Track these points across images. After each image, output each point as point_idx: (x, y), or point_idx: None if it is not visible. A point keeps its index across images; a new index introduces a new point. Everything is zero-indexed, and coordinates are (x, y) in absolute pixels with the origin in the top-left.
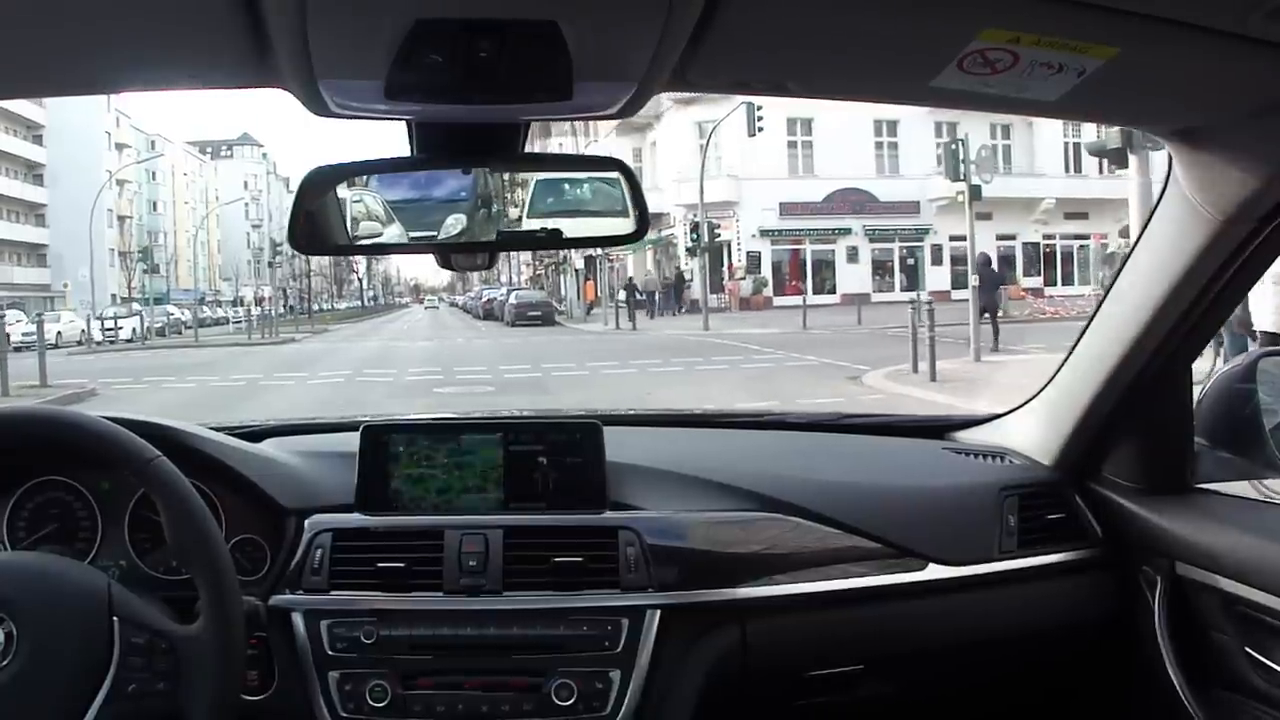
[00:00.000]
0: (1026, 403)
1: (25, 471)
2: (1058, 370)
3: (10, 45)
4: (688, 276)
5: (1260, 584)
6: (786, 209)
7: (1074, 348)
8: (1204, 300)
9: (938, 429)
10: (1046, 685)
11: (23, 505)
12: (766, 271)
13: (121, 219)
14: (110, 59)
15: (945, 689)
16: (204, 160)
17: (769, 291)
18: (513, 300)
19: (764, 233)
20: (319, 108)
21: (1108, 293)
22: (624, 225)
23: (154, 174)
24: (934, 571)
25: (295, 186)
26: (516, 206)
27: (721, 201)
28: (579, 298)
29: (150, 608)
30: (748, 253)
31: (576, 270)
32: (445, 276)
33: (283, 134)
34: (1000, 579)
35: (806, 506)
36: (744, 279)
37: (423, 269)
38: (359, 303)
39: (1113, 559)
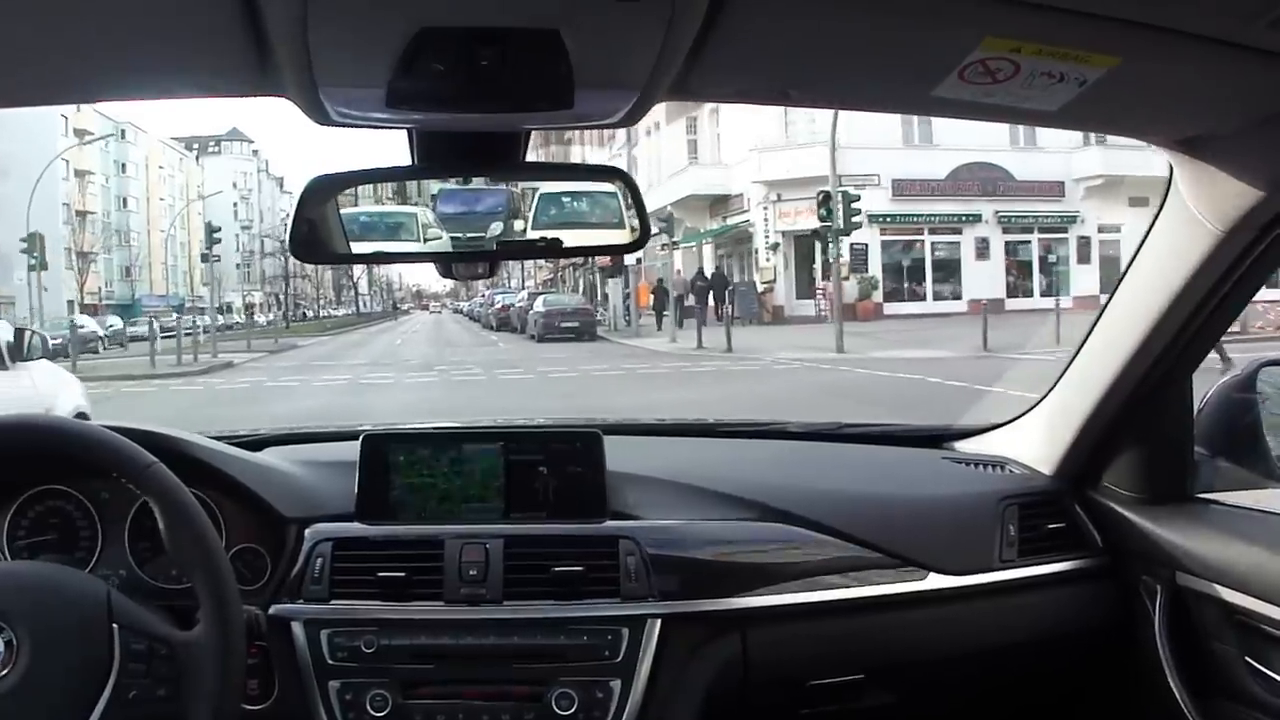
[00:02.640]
0: (1026, 412)
1: (25, 481)
2: (1058, 379)
3: (9, 53)
4: (768, 277)
5: (1260, 594)
6: (901, 188)
7: (1074, 357)
8: (1205, 310)
9: (937, 438)
10: (1047, 695)
11: (22, 515)
12: (875, 268)
13: (81, 215)
14: (111, 68)
15: (946, 699)
16: (185, 154)
17: (879, 296)
18: (540, 307)
19: (872, 219)
20: (320, 116)
21: (1108, 302)
22: (624, 235)
23: (123, 166)
24: (934, 581)
25: (289, 187)
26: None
27: (811, 178)
28: (627, 303)
29: (150, 614)
30: (852, 245)
31: (625, 267)
32: (448, 282)
33: (275, 131)
34: (1000, 589)
35: (807, 516)
36: (848, 278)
37: (425, 276)
38: (370, 308)
39: (1113, 569)
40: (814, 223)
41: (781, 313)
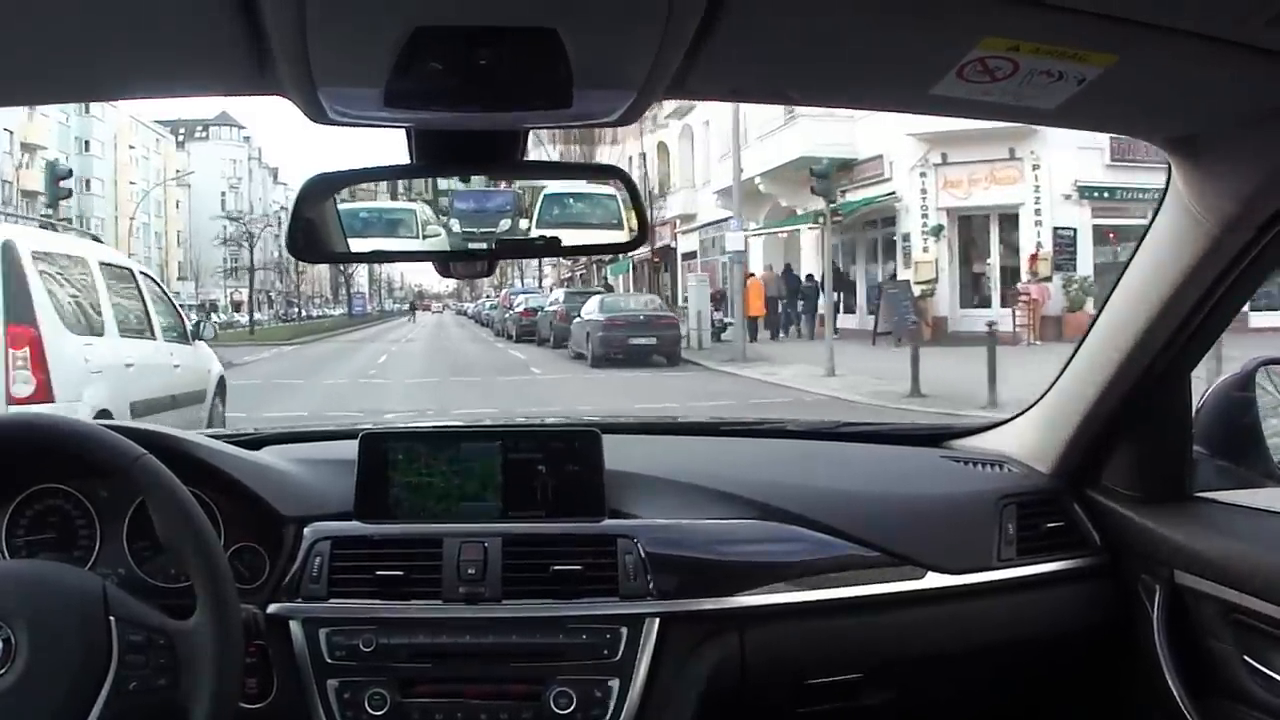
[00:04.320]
0: (1025, 411)
1: (23, 480)
2: (1057, 378)
3: (7, 52)
4: (926, 275)
5: (1259, 593)
6: (1123, 151)
7: (1073, 356)
8: (1203, 309)
9: (936, 437)
10: (1045, 693)
11: (21, 514)
12: (1085, 264)
13: (29, 195)
14: (109, 67)
15: (944, 697)
16: (163, 135)
17: (1092, 306)
18: (596, 312)
19: (1083, 193)
20: (318, 115)
21: (1107, 300)
22: (623, 235)
23: (86, 144)
24: (932, 580)
25: (283, 177)
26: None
27: (992, 130)
28: (719, 310)
29: (146, 607)
30: (1055, 230)
31: (731, 255)
32: (451, 281)
33: (271, 121)
34: (999, 587)
35: (805, 515)
36: (1049, 279)
37: (427, 277)
38: (362, 309)
39: (1111, 567)
40: (995, 195)
41: (944, 326)
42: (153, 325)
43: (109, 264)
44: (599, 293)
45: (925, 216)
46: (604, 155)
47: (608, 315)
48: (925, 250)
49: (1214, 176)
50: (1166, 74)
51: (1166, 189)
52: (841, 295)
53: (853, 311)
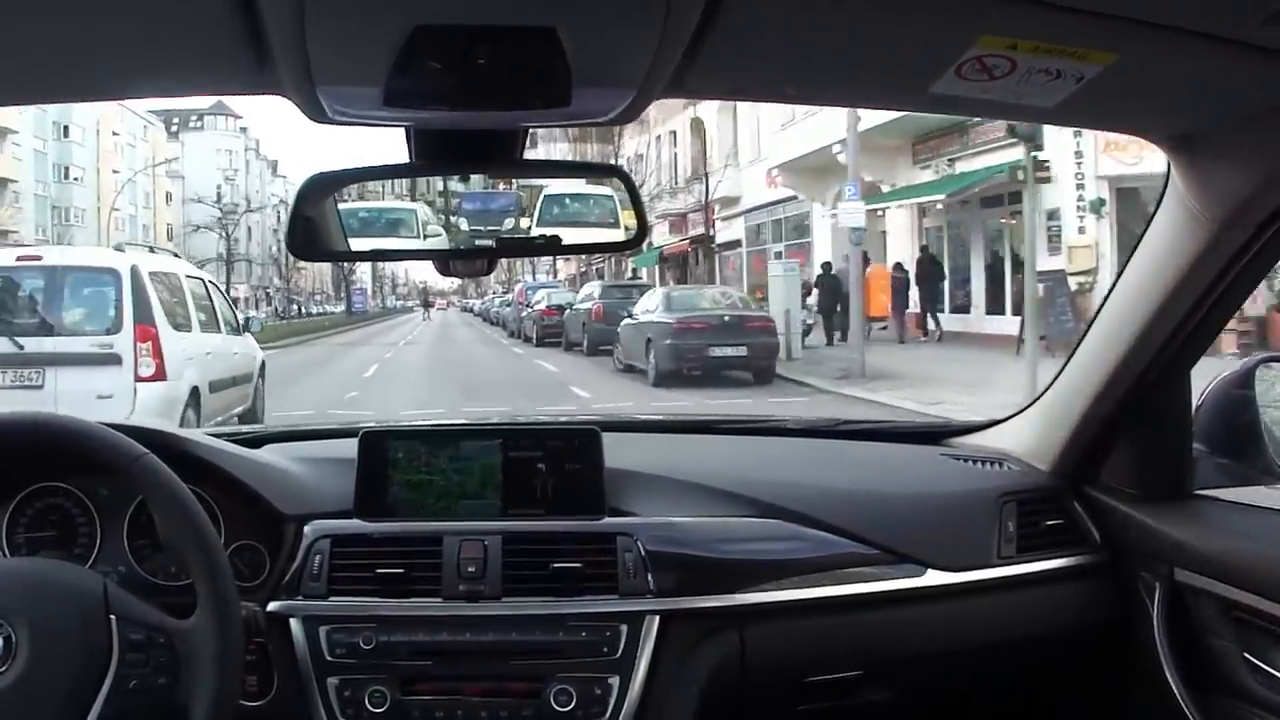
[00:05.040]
0: (1025, 408)
1: (24, 478)
2: (1056, 376)
3: (6, 51)
4: (1083, 264)
5: (1259, 590)
6: None
7: (1073, 353)
8: (1202, 306)
9: (935, 435)
10: (1045, 691)
11: (21, 512)
12: None
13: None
14: (108, 66)
15: (945, 695)
16: (151, 123)
17: None
18: (660, 312)
19: None
20: (318, 114)
21: (1106, 298)
22: (622, 234)
23: (65, 129)
24: (932, 577)
25: (283, 170)
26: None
27: None
28: (810, 307)
29: (147, 605)
30: None
31: (851, 234)
32: (454, 280)
33: (269, 112)
34: (999, 585)
35: (805, 512)
36: None
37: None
38: (363, 307)
39: (1111, 565)
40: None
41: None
42: (219, 322)
43: (190, 275)
44: (644, 286)
45: (1081, 188)
46: (630, 137)
47: (678, 316)
48: (1081, 231)
49: (1213, 175)
50: (1165, 72)
51: (1165, 187)
52: (983, 289)
53: (1001, 311)
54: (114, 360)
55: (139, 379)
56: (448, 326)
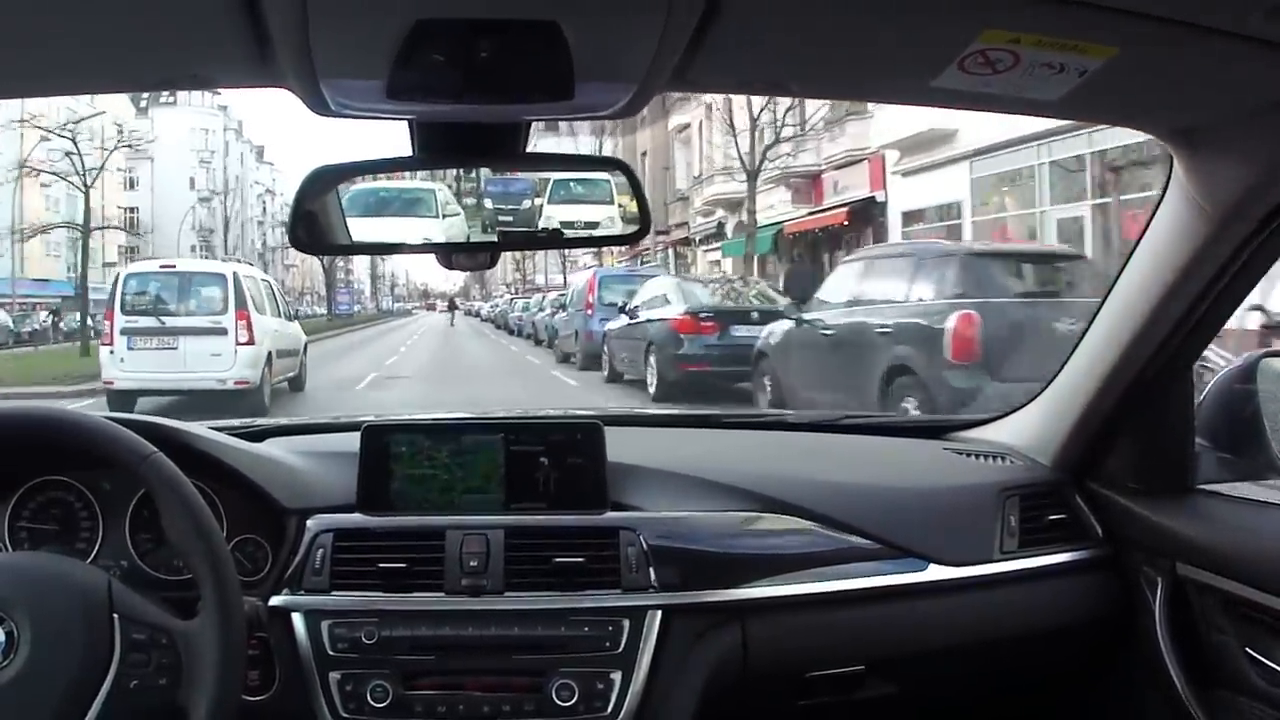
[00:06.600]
0: (1027, 403)
1: (25, 472)
2: (1059, 370)
3: (7, 44)
4: None
5: (1261, 584)
6: None
7: (1075, 348)
8: (1205, 300)
9: (938, 429)
10: (1048, 685)
11: (23, 506)
12: None
13: None
14: (111, 59)
15: (947, 689)
16: (110, 95)
17: None
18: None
19: None
20: (320, 107)
21: (1109, 292)
22: (625, 225)
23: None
24: (935, 572)
25: (268, 157)
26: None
27: None
28: None
29: (150, 604)
30: None
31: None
32: (458, 278)
33: (261, 102)
34: (1001, 579)
35: (807, 507)
36: None
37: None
38: (348, 308)
39: (1114, 559)
40: None
41: None
42: (281, 309)
43: (262, 279)
44: (801, 268)
45: None
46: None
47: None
48: None
49: (1216, 168)
50: (1168, 66)
51: (1169, 181)
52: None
53: None
54: (222, 331)
55: (238, 344)
56: (451, 341)
